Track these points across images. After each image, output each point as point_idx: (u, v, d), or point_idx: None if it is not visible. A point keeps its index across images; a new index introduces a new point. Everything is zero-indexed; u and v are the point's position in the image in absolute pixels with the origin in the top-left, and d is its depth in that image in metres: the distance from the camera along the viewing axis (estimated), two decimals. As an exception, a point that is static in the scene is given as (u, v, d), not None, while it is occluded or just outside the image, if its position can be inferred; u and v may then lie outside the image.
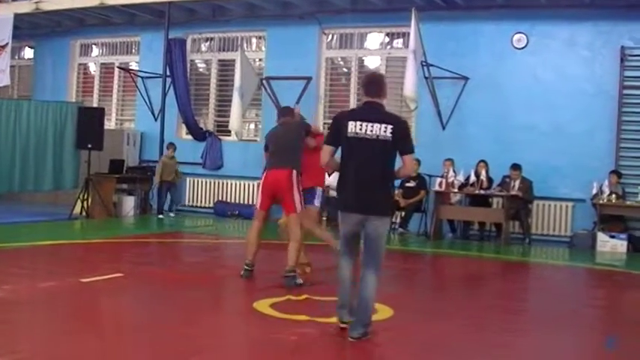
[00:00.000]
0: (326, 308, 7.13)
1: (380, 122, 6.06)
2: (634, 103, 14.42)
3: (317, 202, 9.13)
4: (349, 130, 6.08)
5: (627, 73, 14.48)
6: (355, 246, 6.37)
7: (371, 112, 6.19)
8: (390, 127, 6.05)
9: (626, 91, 14.45)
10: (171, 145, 16.63)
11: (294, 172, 8.50)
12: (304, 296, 7.85)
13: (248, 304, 7.31)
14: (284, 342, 6.01)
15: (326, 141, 6.33)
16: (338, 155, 6.38)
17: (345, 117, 6.24)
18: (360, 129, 6.05)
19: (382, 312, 7.04)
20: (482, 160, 14.33)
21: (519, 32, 15.12)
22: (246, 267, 8.83)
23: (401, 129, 6.14)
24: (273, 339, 6.11)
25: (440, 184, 14.37)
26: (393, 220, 14.56)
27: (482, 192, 13.99)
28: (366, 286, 6.10)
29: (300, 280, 8.48)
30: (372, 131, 6.03)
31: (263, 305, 7.22)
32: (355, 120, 6.10)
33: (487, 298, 8.72)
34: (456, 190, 14.41)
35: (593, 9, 14.59)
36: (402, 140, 6.13)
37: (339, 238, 6.47)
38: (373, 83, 6.38)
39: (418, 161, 13.92)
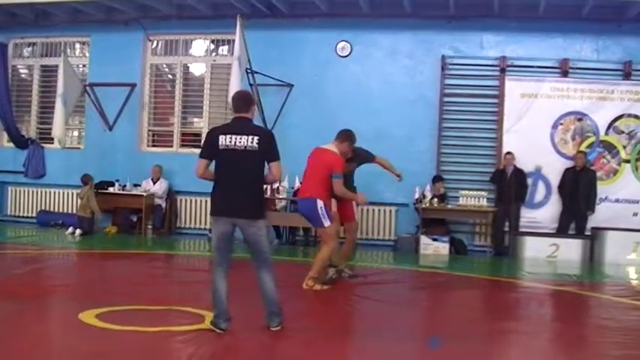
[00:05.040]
0: (150, 318, 7.05)
1: (247, 134, 6.60)
2: (453, 110, 14.98)
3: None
4: (220, 142, 6.60)
5: (447, 81, 15.05)
6: (227, 254, 6.75)
7: (239, 126, 6.72)
8: (256, 138, 6.59)
9: (446, 99, 15.02)
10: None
11: None
12: (129, 306, 7.64)
13: (73, 315, 7.06)
14: (107, 353, 5.89)
15: (200, 155, 6.80)
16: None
17: (217, 132, 6.74)
18: (230, 141, 6.58)
19: (196, 318, 7.12)
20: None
21: (343, 40, 15.40)
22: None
23: (266, 140, 6.68)
24: (96, 350, 5.97)
25: (265, 190, 14.29)
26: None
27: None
28: (267, 284, 6.73)
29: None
30: (240, 142, 6.57)
31: (88, 316, 7.02)
32: (225, 134, 6.63)
33: (307, 303, 8.70)
34: (280, 197, 14.45)
35: (415, 19, 15.05)
36: (267, 150, 6.66)
37: (213, 249, 6.81)
38: (240, 100, 6.93)
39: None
